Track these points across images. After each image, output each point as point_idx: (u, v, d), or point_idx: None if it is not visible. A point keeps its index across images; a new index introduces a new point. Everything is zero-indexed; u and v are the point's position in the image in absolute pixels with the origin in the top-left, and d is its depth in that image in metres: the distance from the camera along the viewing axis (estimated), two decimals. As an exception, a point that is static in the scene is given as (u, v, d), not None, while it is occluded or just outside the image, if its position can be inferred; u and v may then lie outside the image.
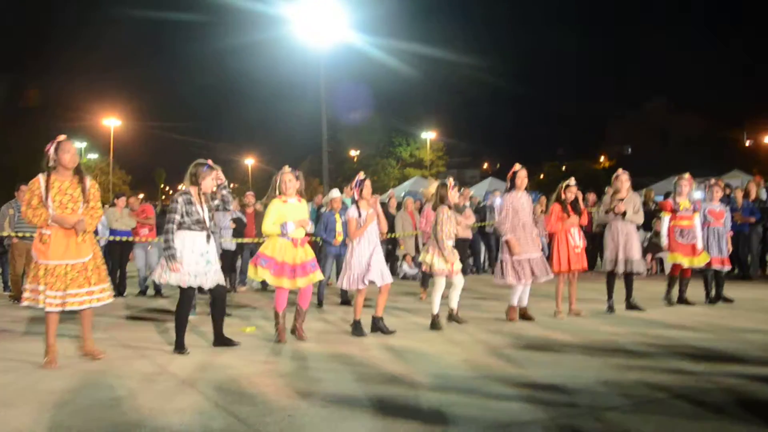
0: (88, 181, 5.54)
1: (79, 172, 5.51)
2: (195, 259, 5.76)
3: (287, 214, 6.38)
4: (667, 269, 8.89)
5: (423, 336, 6.67)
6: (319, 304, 9.12)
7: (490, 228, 13.57)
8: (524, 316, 7.54)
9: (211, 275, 5.86)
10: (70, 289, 5.27)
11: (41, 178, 5.36)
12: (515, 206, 7.50)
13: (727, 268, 8.98)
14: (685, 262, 8.52)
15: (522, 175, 7.58)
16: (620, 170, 8.34)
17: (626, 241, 8.02)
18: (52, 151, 5.38)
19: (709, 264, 8.69)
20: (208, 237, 5.87)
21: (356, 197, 6.81)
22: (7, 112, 39.12)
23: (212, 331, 6.13)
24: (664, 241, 8.60)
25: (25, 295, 5.36)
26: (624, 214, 8.02)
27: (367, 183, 6.81)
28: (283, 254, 6.32)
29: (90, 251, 5.43)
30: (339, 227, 9.24)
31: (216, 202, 6.08)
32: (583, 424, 3.73)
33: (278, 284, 6.35)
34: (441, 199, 7.19)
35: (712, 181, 9.51)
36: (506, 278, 7.46)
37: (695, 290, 9.00)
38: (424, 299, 9.57)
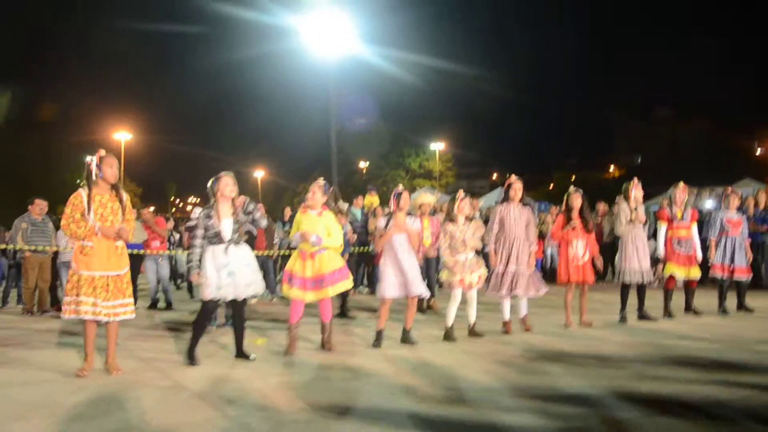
0: (125, 195, 5.67)
1: (115, 185, 5.61)
2: (216, 272, 5.84)
3: (301, 224, 6.44)
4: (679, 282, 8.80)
5: (435, 348, 6.65)
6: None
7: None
8: (523, 325, 7.52)
9: (234, 287, 5.90)
10: (115, 300, 5.41)
11: (83, 192, 5.46)
12: (503, 218, 7.47)
13: (747, 277, 8.91)
14: (681, 273, 8.43)
15: (517, 187, 7.52)
16: (636, 179, 8.27)
17: (645, 250, 8.03)
18: (94, 165, 5.48)
19: (727, 273, 8.69)
20: (226, 249, 5.91)
21: (392, 208, 6.85)
22: (20, 124, 39.47)
23: (228, 343, 6.19)
24: (661, 251, 8.51)
25: (68, 307, 5.38)
26: (646, 223, 8.07)
27: (405, 195, 6.85)
28: (298, 268, 6.41)
29: (127, 263, 5.59)
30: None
31: (248, 217, 6.13)
32: (596, 435, 3.71)
33: (290, 295, 6.43)
34: (447, 213, 7.24)
35: (729, 189, 9.44)
36: (488, 290, 7.46)
37: (708, 300, 8.96)
38: (424, 309, 9.57)
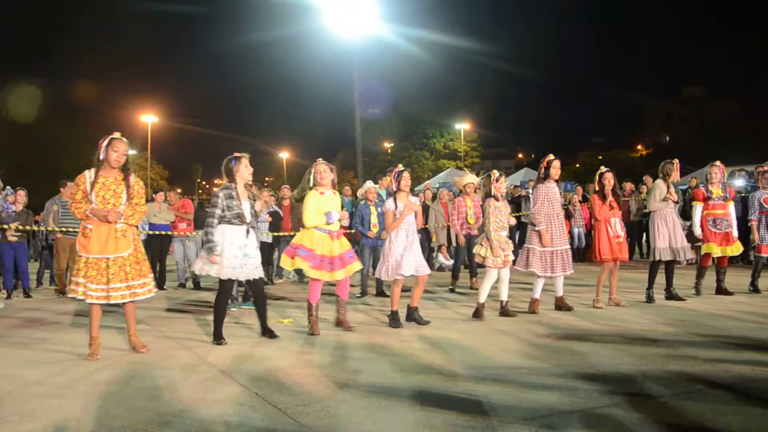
0: (133, 178, 5.62)
1: (125, 169, 5.60)
2: (234, 253, 5.84)
3: (326, 205, 6.43)
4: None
5: (460, 327, 6.66)
6: (362, 293, 9.21)
7: (525, 218, 13.50)
8: (561, 306, 7.48)
9: (248, 268, 5.93)
10: (112, 283, 5.37)
11: (88, 173, 5.46)
12: (549, 196, 7.45)
13: None
14: (719, 251, 8.36)
15: (556, 165, 7.52)
16: (677, 161, 8.17)
17: (677, 228, 7.95)
18: (103, 146, 5.48)
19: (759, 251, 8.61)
20: (248, 231, 5.93)
21: (394, 188, 6.82)
22: (51, 111, 40.09)
23: (253, 323, 6.24)
24: (698, 230, 8.44)
25: (70, 287, 5.51)
26: (677, 202, 8.02)
27: (405, 174, 6.81)
28: (321, 247, 6.36)
29: (129, 246, 5.49)
30: (374, 219, 9.25)
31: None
32: (622, 414, 3.69)
33: (318, 277, 6.37)
34: (487, 191, 7.19)
35: (765, 167, 9.32)
36: (531, 267, 7.42)
37: (739, 279, 8.85)
38: (455, 288, 9.65)
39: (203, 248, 5.94)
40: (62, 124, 41.42)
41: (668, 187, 7.96)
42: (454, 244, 10.28)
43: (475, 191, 9.82)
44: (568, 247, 7.54)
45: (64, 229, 10.38)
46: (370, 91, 41.07)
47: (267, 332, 6.15)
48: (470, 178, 10.14)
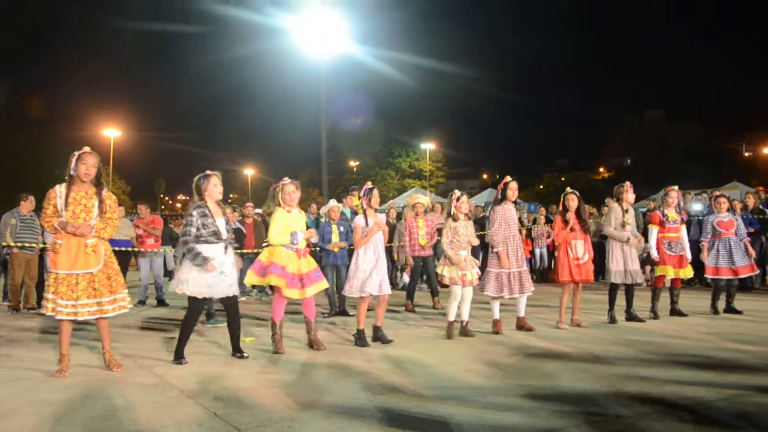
0: (105, 192, 5.56)
1: (99, 183, 5.55)
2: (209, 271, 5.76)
3: (293, 224, 6.39)
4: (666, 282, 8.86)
5: (424, 346, 6.65)
6: (331, 313, 9.20)
7: (488, 239, 13.62)
8: (522, 326, 7.52)
9: (223, 286, 5.85)
10: (80, 300, 5.31)
11: (59, 188, 5.42)
12: (506, 218, 7.51)
13: (753, 273, 9.15)
14: (673, 273, 8.53)
15: (513, 186, 7.56)
16: (628, 183, 8.34)
17: (632, 251, 8.09)
18: (73, 161, 5.43)
19: (728, 274, 8.80)
20: (225, 248, 5.88)
21: (364, 206, 6.81)
22: (10, 119, 39.30)
23: (217, 341, 6.12)
24: (654, 253, 8.58)
25: (43, 303, 5.43)
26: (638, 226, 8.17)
27: (375, 192, 6.82)
28: (291, 265, 6.32)
29: (98, 262, 5.41)
30: (336, 238, 9.26)
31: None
32: (584, 435, 3.71)
33: (290, 295, 6.32)
34: (448, 211, 7.26)
35: (717, 192, 9.59)
36: (486, 290, 7.48)
37: (696, 301, 9.01)
38: (410, 308, 9.68)
39: (193, 264, 5.73)
40: (21, 133, 40.62)
41: (625, 210, 8.12)
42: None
43: (426, 211, 9.89)
44: (526, 268, 7.58)
45: (20, 244, 10.13)
46: (337, 110, 41.13)
47: (238, 351, 6.03)
48: (419, 198, 10.20)
